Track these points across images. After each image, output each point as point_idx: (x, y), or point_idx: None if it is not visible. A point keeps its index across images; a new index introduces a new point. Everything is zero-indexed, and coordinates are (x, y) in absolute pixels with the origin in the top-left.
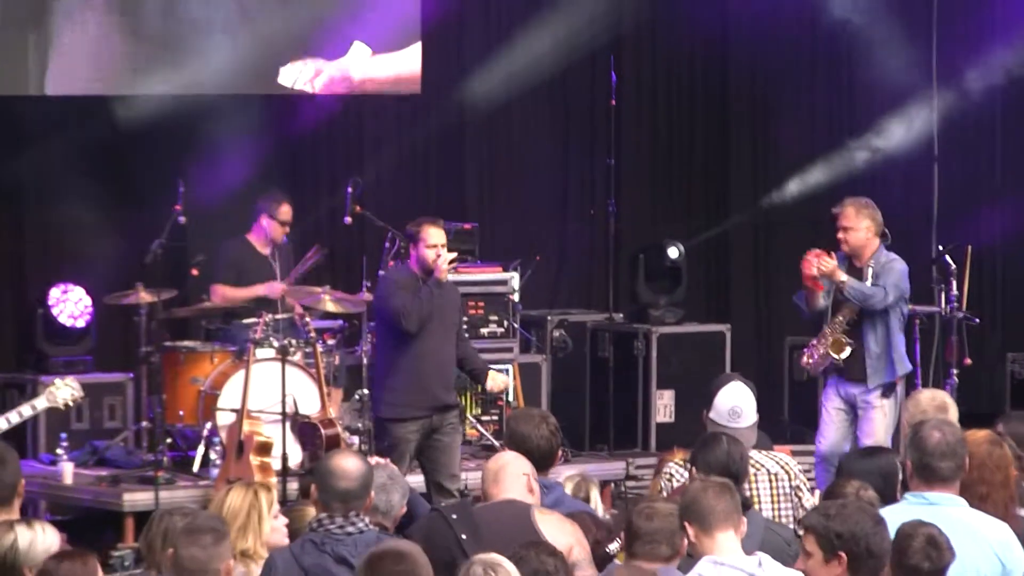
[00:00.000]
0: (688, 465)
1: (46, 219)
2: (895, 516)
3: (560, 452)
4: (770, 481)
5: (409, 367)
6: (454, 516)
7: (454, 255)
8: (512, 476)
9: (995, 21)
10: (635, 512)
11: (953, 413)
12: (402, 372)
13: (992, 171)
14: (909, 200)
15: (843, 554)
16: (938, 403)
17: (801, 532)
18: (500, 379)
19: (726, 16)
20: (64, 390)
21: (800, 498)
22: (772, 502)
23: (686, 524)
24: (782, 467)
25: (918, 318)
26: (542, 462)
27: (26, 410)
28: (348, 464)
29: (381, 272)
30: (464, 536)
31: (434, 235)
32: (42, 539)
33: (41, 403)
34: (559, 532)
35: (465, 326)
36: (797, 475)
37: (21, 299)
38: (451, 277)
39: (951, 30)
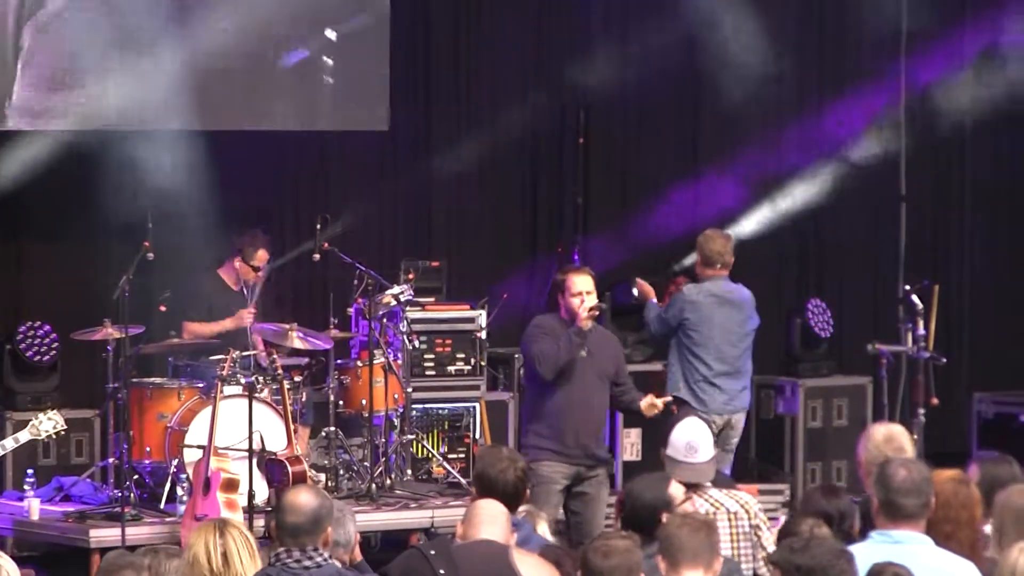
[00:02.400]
0: None
1: (12, 255)
2: (860, 554)
3: (528, 491)
4: (729, 520)
5: (555, 413)
6: (432, 552)
7: (593, 303)
8: (489, 519)
9: (964, 58)
10: (591, 550)
11: (909, 448)
12: (547, 418)
13: (961, 210)
14: (877, 239)
15: None
16: (895, 445)
17: (768, 568)
18: (651, 406)
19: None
20: (47, 423)
21: (759, 537)
22: (731, 541)
23: (659, 558)
24: (741, 506)
25: (884, 358)
26: (511, 504)
27: (9, 443)
28: (299, 499)
29: (350, 309)
30: (442, 571)
31: (579, 283)
32: (16, 571)
33: (24, 436)
34: (538, 573)
35: (431, 363)
36: (757, 514)
37: None
38: (424, 315)
39: (920, 66)
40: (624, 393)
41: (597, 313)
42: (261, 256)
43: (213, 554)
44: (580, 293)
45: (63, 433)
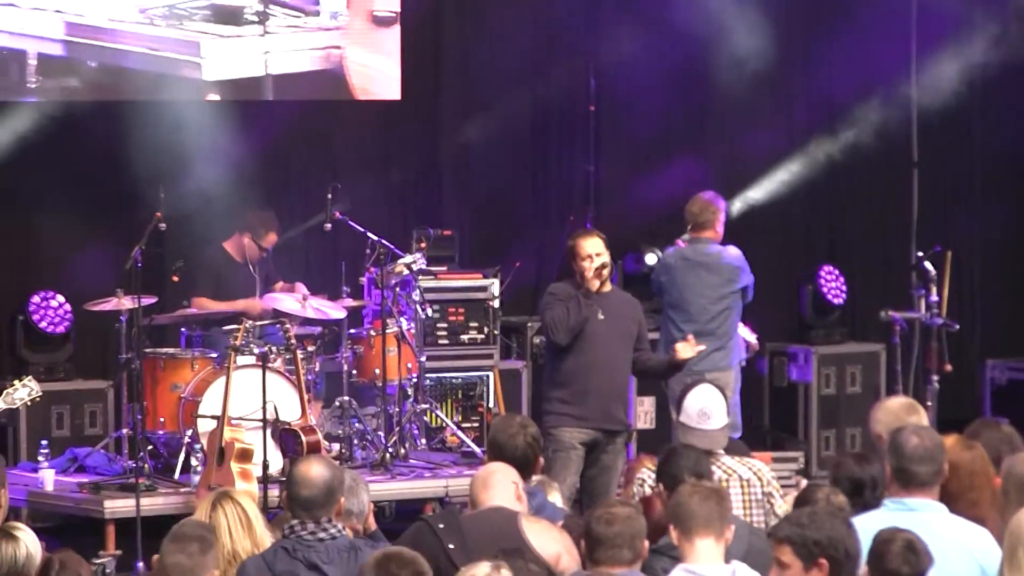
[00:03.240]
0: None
1: (24, 226)
2: (874, 522)
3: (540, 459)
4: (742, 487)
5: (576, 378)
6: (441, 526)
7: (598, 263)
8: (500, 484)
9: (973, 23)
10: (594, 519)
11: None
12: (568, 383)
13: (971, 176)
14: (888, 206)
15: (824, 561)
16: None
17: (774, 544)
18: (686, 349)
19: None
20: (22, 390)
21: (772, 504)
22: (744, 508)
23: (670, 526)
24: (754, 473)
25: (897, 324)
26: (522, 470)
27: None
28: (311, 472)
29: (362, 279)
30: (451, 546)
31: (587, 246)
32: (37, 543)
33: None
34: (547, 540)
35: (444, 332)
36: (770, 481)
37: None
38: (436, 284)
39: (930, 32)
40: (641, 355)
41: (605, 272)
42: (271, 239)
43: None
44: (589, 256)
45: (38, 400)
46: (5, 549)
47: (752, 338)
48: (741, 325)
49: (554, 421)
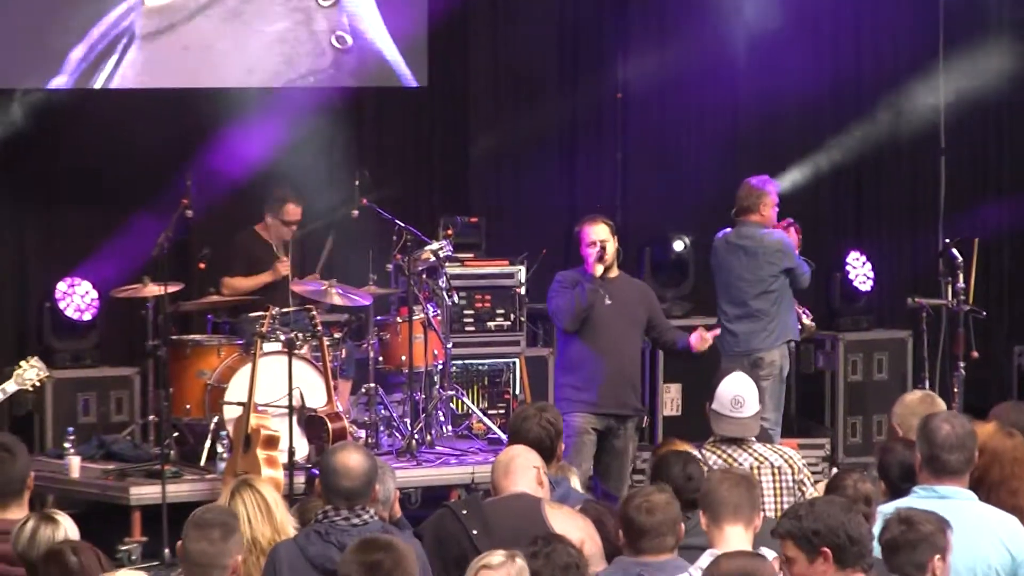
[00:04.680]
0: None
1: (51, 213)
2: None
3: (561, 446)
4: (773, 475)
5: (586, 365)
6: (464, 512)
7: (598, 249)
8: (522, 468)
9: (1001, 10)
10: (633, 508)
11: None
12: (579, 370)
13: (999, 163)
14: (915, 193)
15: (826, 549)
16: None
17: (778, 541)
18: (701, 339)
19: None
20: (30, 371)
21: (803, 492)
22: (775, 496)
23: (700, 512)
24: (785, 460)
25: (925, 311)
26: (543, 456)
27: None
28: (351, 462)
29: (389, 265)
30: (475, 532)
31: (591, 232)
32: (75, 528)
33: (11, 386)
34: (570, 527)
35: (471, 319)
36: (801, 469)
37: (26, 294)
38: (463, 271)
39: (958, 18)
40: (662, 334)
41: (607, 257)
42: (290, 210)
43: None
44: (594, 243)
45: (46, 381)
46: (43, 531)
47: (807, 320)
48: (797, 303)
49: (566, 407)
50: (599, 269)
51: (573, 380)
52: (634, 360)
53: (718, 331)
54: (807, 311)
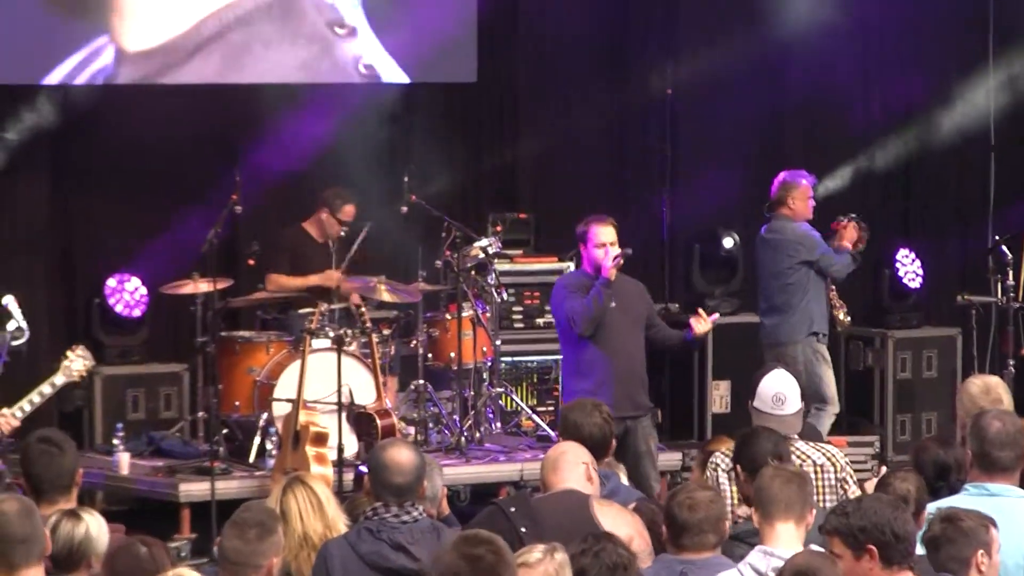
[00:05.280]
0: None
1: (101, 209)
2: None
3: (614, 441)
4: (816, 473)
5: (597, 368)
6: (512, 509)
7: (618, 251)
8: (571, 464)
9: None
10: (676, 504)
11: (1006, 397)
12: (590, 374)
13: None
14: (965, 189)
15: (872, 546)
16: (992, 396)
17: (826, 538)
18: (702, 325)
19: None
20: (77, 361)
21: (846, 490)
22: (818, 494)
23: (752, 509)
24: (828, 458)
25: (974, 308)
26: (596, 451)
27: (47, 388)
28: (401, 458)
29: (438, 262)
30: (524, 529)
31: (602, 233)
32: (103, 529)
33: (59, 379)
34: (618, 523)
35: (520, 316)
36: (844, 467)
37: (75, 290)
38: (512, 267)
39: (1008, 18)
40: (662, 330)
41: (622, 262)
42: (348, 211)
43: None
44: (604, 244)
45: (92, 369)
46: (64, 526)
47: (841, 315)
48: (835, 297)
49: None
50: (615, 274)
51: (586, 385)
52: (642, 360)
53: (717, 316)
54: (843, 306)
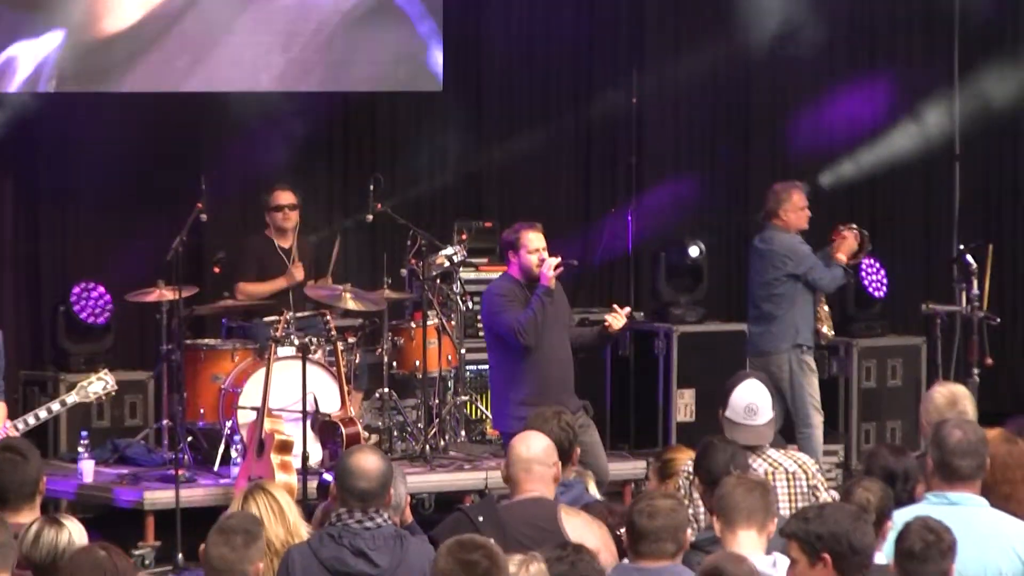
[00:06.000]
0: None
1: (66, 217)
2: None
3: (577, 449)
4: (788, 480)
5: (534, 377)
6: (480, 518)
7: (557, 260)
8: (542, 469)
9: (1018, 17)
10: (636, 511)
11: (970, 407)
12: (527, 383)
13: (1015, 168)
14: (930, 199)
15: (827, 555)
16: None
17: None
18: (616, 319)
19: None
20: (96, 383)
21: (818, 497)
22: (789, 501)
23: (714, 517)
24: (799, 466)
25: (939, 317)
26: (561, 459)
27: (55, 405)
28: (368, 464)
29: (404, 270)
30: (492, 540)
31: (534, 239)
32: (84, 535)
33: (71, 398)
34: (586, 534)
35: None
36: (815, 474)
37: (40, 297)
38: (477, 276)
39: (972, 28)
40: (582, 332)
41: (562, 270)
42: (279, 196)
43: None
44: (537, 250)
45: (113, 395)
46: (47, 533)
47: (825, 328)
48: (824, 310)
49: (517, 425)
50: (554, 281)
51: (521, 395)
52: (571, 362)
53: (629, 309)
54: (828, 319)
